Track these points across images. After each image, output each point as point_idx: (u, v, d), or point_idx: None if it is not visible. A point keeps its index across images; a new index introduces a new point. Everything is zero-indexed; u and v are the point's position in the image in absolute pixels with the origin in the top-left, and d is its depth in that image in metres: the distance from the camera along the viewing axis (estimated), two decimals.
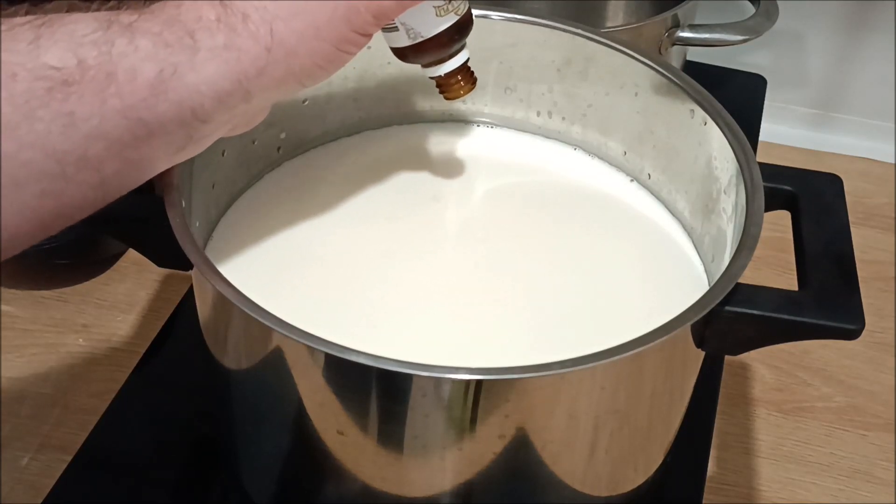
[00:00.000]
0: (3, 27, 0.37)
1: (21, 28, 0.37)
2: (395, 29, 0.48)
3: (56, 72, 0.36)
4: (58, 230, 0.40)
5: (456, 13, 0.48)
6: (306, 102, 0.58)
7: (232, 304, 0.41)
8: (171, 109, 0.39)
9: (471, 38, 0.50)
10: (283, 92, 0.42)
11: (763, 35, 0.77)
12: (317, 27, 0.40)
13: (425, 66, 0.50)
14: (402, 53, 0.49)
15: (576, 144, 0.61)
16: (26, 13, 0.39)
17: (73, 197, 0.39)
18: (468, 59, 0.51)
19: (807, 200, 0.51)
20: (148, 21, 0.38)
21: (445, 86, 0.51)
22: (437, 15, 0.48)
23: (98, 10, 0.39)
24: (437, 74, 0.50)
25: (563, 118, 0.60)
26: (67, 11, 0.39)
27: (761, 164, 0.49)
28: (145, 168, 0.41)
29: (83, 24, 0.38)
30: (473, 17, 0.50)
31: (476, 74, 0.52)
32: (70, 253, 0.71)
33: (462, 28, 0.49)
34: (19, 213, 0.38)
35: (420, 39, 0.48)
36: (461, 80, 0.51)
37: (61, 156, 0.37)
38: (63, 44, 0.37)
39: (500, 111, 0.61)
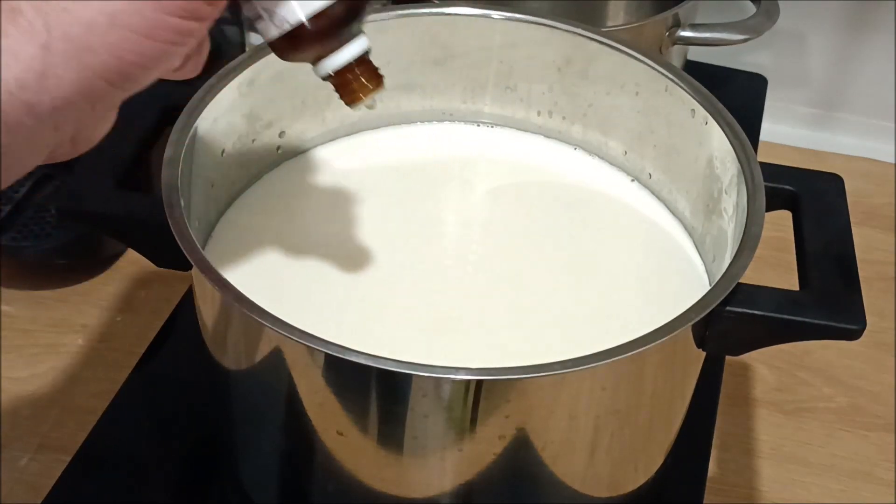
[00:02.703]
0: None
1: None
2: (260, 17, 0.38)
3: None
4: None
5: None
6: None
7: (231, 303, 0.41)
8: None
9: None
10: (94, 97, 0.34)
11: (764, 35, 0.77)
12: (111, 14, 0.32)
13: (313, 64, 0.40)
14: (276, 48, 0.39)
15: (576, 144, 0.61)
16: None
17: None
18: (368, 52, 0.40)
19: (808, 200, 0.51)
20: None
21: (341, 87, 0.40)
22: None
23: None
24: (324, 74, 0.40)
25: (564, 118, 0.60)
26: None
27: (762, 164, 0.49)
28: None
29: None
30: None
31: (382, 73, 0.41)
32: (70, 253, 0.71)
33: (347, 12, 0.38)
34: None
35: (288, 28, 0.37)
36: (361, 77, 0.40)
37: None
38: None
39: (500, 111, 0.61)
